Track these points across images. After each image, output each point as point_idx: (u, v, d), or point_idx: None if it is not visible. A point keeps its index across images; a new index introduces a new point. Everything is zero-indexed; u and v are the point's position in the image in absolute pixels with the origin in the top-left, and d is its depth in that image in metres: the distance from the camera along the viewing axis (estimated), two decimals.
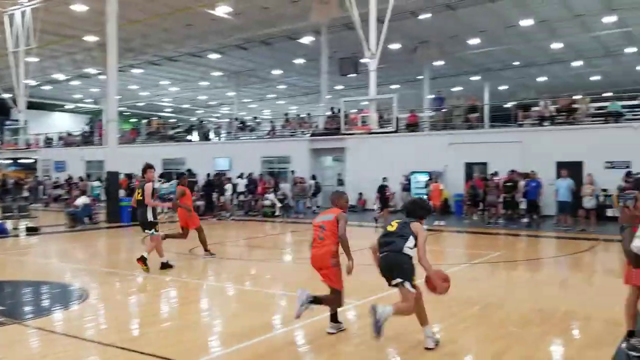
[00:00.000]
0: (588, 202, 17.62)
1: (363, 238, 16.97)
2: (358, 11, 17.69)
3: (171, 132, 36.63)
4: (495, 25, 31.73)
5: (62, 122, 56.06)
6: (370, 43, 16.44)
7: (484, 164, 23.13)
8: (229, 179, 24.84)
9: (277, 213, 23.31)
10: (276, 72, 44.52)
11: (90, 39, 33.91)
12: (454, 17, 30.48)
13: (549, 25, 32.02)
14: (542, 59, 40.21)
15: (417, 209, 6.11)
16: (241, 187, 24.65)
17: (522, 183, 19.11)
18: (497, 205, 19.68)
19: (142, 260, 10.42)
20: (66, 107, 58.87)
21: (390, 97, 21.28)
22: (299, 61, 40.50)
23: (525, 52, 38.75)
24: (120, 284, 9.64)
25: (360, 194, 25.83)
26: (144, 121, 44.96)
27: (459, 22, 31.57)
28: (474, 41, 34.71)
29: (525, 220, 19.39)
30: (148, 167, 10.92)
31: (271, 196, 23.73)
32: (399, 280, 5.64)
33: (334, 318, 6.46)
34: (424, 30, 33.27)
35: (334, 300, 6.37)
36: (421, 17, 29.99)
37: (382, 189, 19.24)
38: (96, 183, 22.77)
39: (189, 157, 31.73)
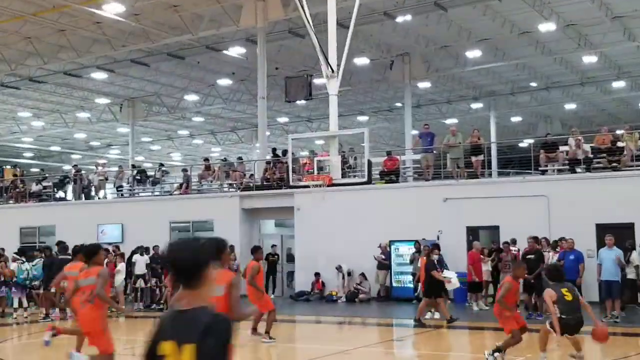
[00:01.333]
0: None
1: (337, 341, 16.87)
2: (311, 11, 18.05)
3: (34, 188, 35.93)
4: (503, 31, 32.80)
5: None
6: (330, 56, 16.70)
7: (495, 227, 23.43)
8: (122, 256, 24.38)
9: None
10: (191, 97, 44.64)
11: None
12: (445, 19, 31.45)
13: (579, 31, 33.34)
14: (569, 78, 41.65)
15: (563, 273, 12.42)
16: (140, 268, 24.21)
17: (549, 255, 19.42)
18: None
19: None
20: None
21: (359, 133, 21.56)
22: (225, 82, 40.76)
23: (546, 68, 40.14)
24: None
25: (317, 274, 25.75)
26: None
27: (451, 27, 32.55)
28: (474, 54, 35.73)
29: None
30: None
31: None
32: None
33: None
34: (403, 38, 34.16)
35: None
36: (399, 19, 30.80)
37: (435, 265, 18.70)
38: None
39: (61, 224, 31.03)
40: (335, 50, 17.01)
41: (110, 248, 25.74)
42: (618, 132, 25.88)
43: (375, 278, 25.05)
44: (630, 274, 18.54)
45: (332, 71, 16.67)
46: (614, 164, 23.21)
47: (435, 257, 18.83)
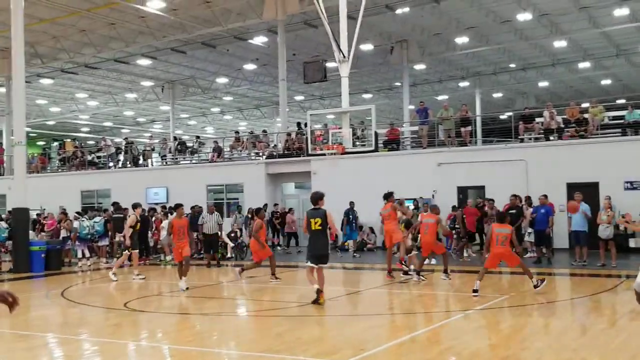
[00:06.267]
0: (604, 232, 17.94)
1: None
2: (324, 5, 17.97)
3: (91, 157, 36.13)
4: (487, 20, 32.61)
5: None
6: (341, 43, 16.66)
7: (481, 187, 23.49)
8: (166, 214, 24.52)
9: (229, 255, 23.11)
10: (221, 80, 44.63)
11: None
12: (438, 11, 31.23)
13: (551, 20, 33.07)
14: (543, 60, 41.41)
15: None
16: None
17: (529, 210, 19.45)
18: None
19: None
20: None
21: (367, 109, 21.52)
22: (250, 67, 40.75)
23: (523, 52, 39.87)
24: (29, 351, 9.37)
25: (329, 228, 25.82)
26: (55, 144, 44.31)
27: (443, 17, 32.36)
28: (462, 40, 35.55)
29: (533, 255, 19.70)
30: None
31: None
32: None
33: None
34: (401, 27, 33.98)
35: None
36: (399, 11, 30.65)
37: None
38: (2, 224, 22.13)
39: (115, 187, 31.31)
40: (346, 39, 16.96)
41: (158, 208, 25.97)
42: (584, 105, 25.77)
43: (380, 230, 25.15)
44: None
45: (344, 56, 16.63)
46: (581, 133, 23.18)
47: None
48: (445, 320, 10.87)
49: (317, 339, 9.56)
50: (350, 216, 23.81)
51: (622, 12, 30.67)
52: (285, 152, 28.77)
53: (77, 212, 24.87)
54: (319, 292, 12.13)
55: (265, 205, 24.71)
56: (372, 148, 19.64)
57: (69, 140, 44.44)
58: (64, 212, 24.47)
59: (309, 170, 26.77)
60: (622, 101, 40.72)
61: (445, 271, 15.57)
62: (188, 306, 13.71)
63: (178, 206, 16.11)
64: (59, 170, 37.00)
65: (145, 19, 31.07)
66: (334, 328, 10.53)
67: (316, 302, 12.07)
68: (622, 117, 23.71)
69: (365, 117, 39.75)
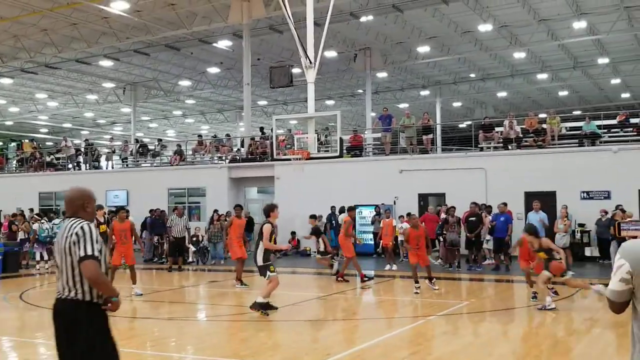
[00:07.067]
0: (560, 240, 18.23)
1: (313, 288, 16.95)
2: (291, 10, 17.94)
3: (49, 158, 35.48)
4: (448, 30, 32.98)
5: None
6: (307, 49, 16.66)
7: (442, 195, 23.70)
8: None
9: (190, 259, 22.89)
10: (184, 83, 44.31)
11: None
12: (401, 20, 31.48)
13: (511, 32, 33.60)
14: (502, 70, 42.05)
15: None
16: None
17: (487, 218, 19.67)
18: (458, 244, 20.14)
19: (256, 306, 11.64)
20: None
21: (331, 115, 21.55)
22: (214, 70, 40.51)
23: (483, 62, 40.43)
24: None
25: (293, 233, 25.80)
26: (13, 144, 43.40)
27: (406, 26, 32.62)
28: (423, 49, 35.89)
29: (491, 262, 19.91)
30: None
31: None
32: None
33: None
34: (365, 35, 34.15)
35: None
36: (363, 19, 30.79)
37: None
38: None
39: None
40: (312, 45, 16.97)
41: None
42: (543, 116, 26.20)
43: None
44: None
45: (310, 62, 16.64)
46: (540, 143, 23.55)
47: None
48: (408, 326, 10.92)
49: (282, 344, 9.52)
50: (333, 221, 23.76)
51: (580, 25, 31.25)
52: (249, 156, 28.66)
53: (37, 215, 24.40)
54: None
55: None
56: (337, 154, 19.67)
57: (27, 140, 43.50)
58: (21, 214, 23.97)
59: (272, 175, 26.70)
60: (578, 112, 41.65)
61: (431, 279, 14.91)
62: (149, 311, 13.53)
63: (119, 209, 15.99)
64: (17, 171, 36.25)
65: (108, 19, 30.64)
66: (299, 333, 10.50)
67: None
68: (579, 128, 24.17)
69: (329, 122, 39.88)
